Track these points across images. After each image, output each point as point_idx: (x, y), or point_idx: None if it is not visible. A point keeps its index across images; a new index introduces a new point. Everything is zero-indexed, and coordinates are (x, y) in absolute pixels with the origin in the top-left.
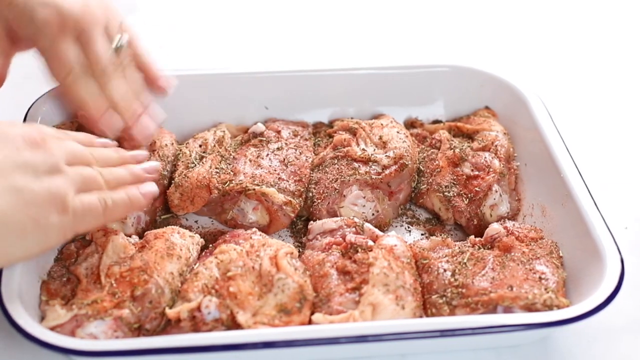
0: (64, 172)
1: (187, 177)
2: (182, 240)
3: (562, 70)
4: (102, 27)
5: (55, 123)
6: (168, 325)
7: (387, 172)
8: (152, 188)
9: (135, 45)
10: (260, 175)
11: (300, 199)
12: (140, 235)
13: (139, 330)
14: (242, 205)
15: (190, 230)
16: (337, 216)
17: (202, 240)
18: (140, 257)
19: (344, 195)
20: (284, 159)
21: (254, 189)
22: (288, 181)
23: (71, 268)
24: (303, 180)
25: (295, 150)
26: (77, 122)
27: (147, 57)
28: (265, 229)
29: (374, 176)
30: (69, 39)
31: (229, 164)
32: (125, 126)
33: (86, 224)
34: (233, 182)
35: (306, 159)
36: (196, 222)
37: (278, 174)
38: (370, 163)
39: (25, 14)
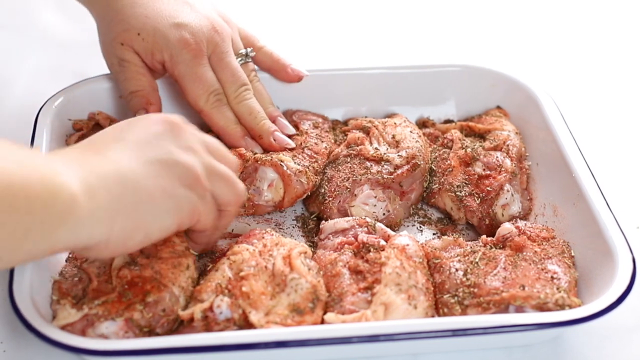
0: (198, 153)
1: None
2: (182, 244)
3: (573, 69)
4: (230, 40)
5: (68, 122)
6: (180, 326)
7: (399, 171)
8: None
9: (254, 43)
10: (278, 153)
11: (317, 177)
12: None
13: (149, 333)
14: (258, 183)
15: None
16: (347, 215)
17: None
18: (150, 265)
19: (355, 195)
20: (302, 143)
21: (271, 157)
22: (303, 160)
23: (83, 266)
24: (319, 162)
25: (316, 138)
26: (94, 119)
27: (269, 50)
28: (281, 203)
29: (385, 176)
30: (205, 60)
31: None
32: (265, 145)
33: (206, 205)
34: (252, 152)
35: (325, 147)
36: None
37: (294, 154)
38: (383, 162)
39: (158, 40)
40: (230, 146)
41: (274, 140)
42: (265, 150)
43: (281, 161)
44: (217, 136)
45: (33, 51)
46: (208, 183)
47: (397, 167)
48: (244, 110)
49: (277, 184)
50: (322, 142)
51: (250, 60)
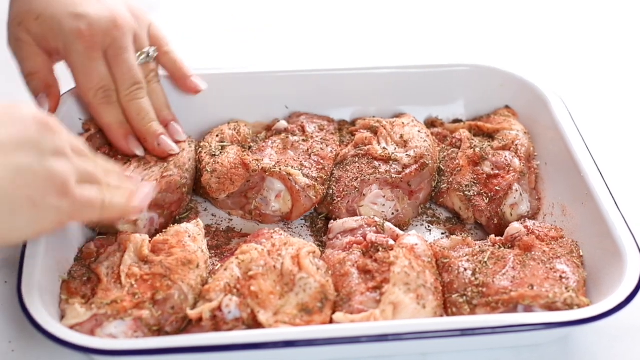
0: (69, 157)
1: (219, 162)
2: (195, 244)
3: (582, 69)
4: (132, 36)
5: (78, 122)
6: (189, 325)
7: (407, 171)
8: (145, 198)
9: (162, 45)
10: (285, 161)
11: (323, 187)
12: (153, 238)
13: (158, 332)
14: (265, 193)
15: (208, 229)
16: (356, 215)
17: (201, 223)
18: (160, 263)
19: (364, 194)
20: (308, 149)
21: (279, 169)
22: (310, 169)
23: (92, 266)
24: (326, 169)
25: (322, 143)
26: None
27: (175, 57)
28: (289, 215)
29: (394, 175)
30: (98, 54)
31: (254, 154)
32: (149, 148)
33: (82, 214)
34: (261, 162)
35: (331, 151)
36: (214, 215)
37: (301, 162)
38: (391, 162)
39: (54, 27)
40: (113, 144)
41: (158, 144)
42: (150, 154)
43: (289, 175)
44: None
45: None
46: (78, 190)
47: (405, 167)
48: (133, 109)
49: (284, 196)
50: (328, 145)
51: (151, 60)
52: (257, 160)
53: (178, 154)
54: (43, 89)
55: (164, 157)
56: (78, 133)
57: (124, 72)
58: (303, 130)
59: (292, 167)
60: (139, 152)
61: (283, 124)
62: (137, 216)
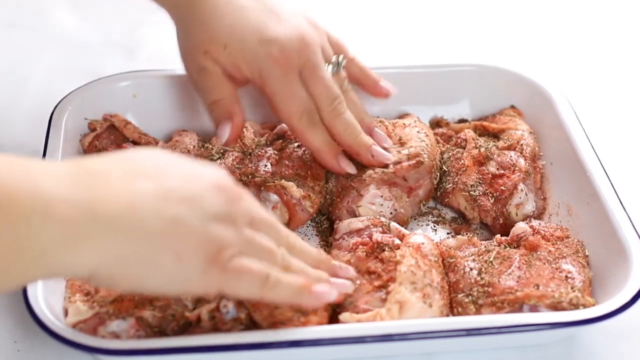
0: (237, 227)
1: None
2: None
3: (588, 69)
4: (320, 51)
5: (83, 122)
6: (189, 326)
7: (398, 166)
8: (326, 293)
9: (346, 52)
10: (281, 173)
11: (321, 194)
12: None
13: (160, 334)
14: (261, 204)
15: None
16: (356, 215)
17: None
18: None
19: (362, 195)
20: (302, 156)
21: (273, 182)
22: (307, 178)
23: None
24: (321, 174)
25: None
26: (109, 120)
27: (360, 62)
28: (286, 226)
29: (387, 171)
30: (295, 77)
31: (250, 162)
32: (361, 159)
33: (236, 289)
34: (254, 175)
35: (348, 170)
36: None
37: (297, 172)
38: None
39: (246, 55)
40: (324, 166)
41: (372, 156)
42: (364, 166)
43: (283, 187)
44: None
45: (47, 50)
46: (236, 261)
47: (397, 163)
48: (339, 126)
49: (281, 207)
50: None
51: (341, 68)
52: (251, 172)
53: (185, 148)
54: (226, 118)
55: (379, 167)
56: (83, 133)
57: (322, 89)
58: None
59: (286, 178)
60: (351, 170)
61: (283, 127)
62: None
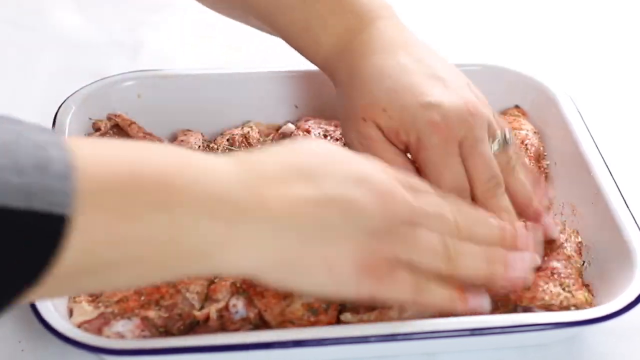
0: (395, 235)
1: None
2: None
3: (592, 69)
4: (486, 126)
5: (87, 122)
6: (195, 326)
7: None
8: (480, 302)
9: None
10: None
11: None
12: None
13: (165, 334)
14: None
15: None
16: None
17: None
18: None
19: None
20: None
21: None
22: None
23: None
24: None
25: None
26: (114, 120)
27: (524, 160)
28: None
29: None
30: (454, 148)
31: None
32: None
33: (388, 297)
34: None
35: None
36: None
37: None
38: None
39: (406, 119)
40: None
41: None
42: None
43: None
44: None
45: (50, 50)
46: (390, 275)
47: None
48: (492, 209)
49: None
50: None
51: (508, 147)
52: None
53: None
54: None
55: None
56: (87, 133)
57: (480, 166)
58: (308, 134)
59: None
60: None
61: (289, 127)
62: None
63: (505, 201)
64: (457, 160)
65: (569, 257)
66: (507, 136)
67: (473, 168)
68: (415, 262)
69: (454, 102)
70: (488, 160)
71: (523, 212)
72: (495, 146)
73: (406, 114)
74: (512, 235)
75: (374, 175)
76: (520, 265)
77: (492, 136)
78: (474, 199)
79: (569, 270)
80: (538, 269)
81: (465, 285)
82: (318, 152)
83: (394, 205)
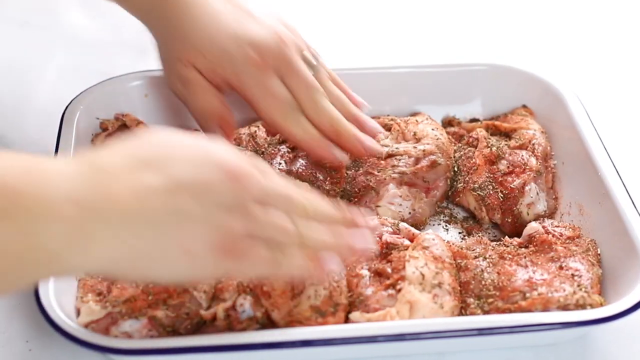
0: (248, 212)
1: None
2: None
3: (600, 68)
4: (296, 50)
5: (94, 121)
6: (203, 326)
7: (419, 165)
8: (335, 263)
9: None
10: (296, 172)
11: (335, 199)
12: None
13: (172, 333)
14: None
15: None
16: (374, 215)
17: None
18: None
19: (381, 194)
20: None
21: None
22: (325, 181)
23: None
24: (340, 182)
25: None
26: (121, 120)
27: (332, 74)
28: None
29: (405, 169)
30: (272, 74)
31: (264, 160)
32: (353, 151)
33: (246, 274)
34: None
35: (343, 159)
36: None
37: (314, 174)
38: (399, 157)
39: (222, 57)
40: (319, 159)
41: (364, 148)
42: (356, 159)
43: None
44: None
45: (59, 50)
46: (246, 252)
47: (417, 161)
48: (324, 118)
49: None
50: None
51: (318, 68)
52: None
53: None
54: (218, 124)
55: (371, 156)
56: (94, 133)
57: (302, 85)
58: None
59: (301, 179)
60: (346, 159)
61: None
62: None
63: (333, 109)
64: (281, 85)
65: (592, 264)
66: (317, 58)
67: (295, 86)
68: (268, 239)
69: (265, 36)
70: (306, 78)
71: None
72: (309, 67)
73: (222, 53)
74: (351, 216)
75: (222, 155)
76: (361, 238)
77: (304, 58)
78: (306, 115)
79: (590, 275)
80: (560, 268)
81: (319, 255)
82: (162, 140)
83: (245, 182)
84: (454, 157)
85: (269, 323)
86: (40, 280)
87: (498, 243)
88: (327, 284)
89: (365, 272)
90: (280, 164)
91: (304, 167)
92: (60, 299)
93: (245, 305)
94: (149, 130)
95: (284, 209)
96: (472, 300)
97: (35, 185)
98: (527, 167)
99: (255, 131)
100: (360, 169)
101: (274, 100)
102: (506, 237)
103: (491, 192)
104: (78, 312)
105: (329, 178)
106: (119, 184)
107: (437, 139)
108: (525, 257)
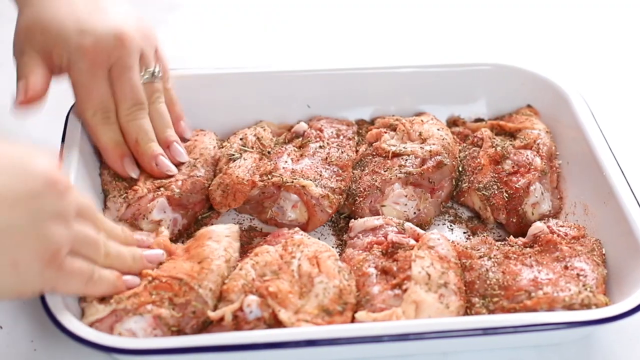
0: (68, 223)
1: (228, 173)
2: (217, 245)
3: (604, 67)
4: (138, 55)
5: None
6: (209, 325)
7: (425, 166)
8: (134, 281)
9: (164, 79)
10: (301, 171)
11: (341, 196)
12: (176, 238)
13: (178, 333)
14: (282, 202)
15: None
16: (379, 215)
17: (237, 227)
18: (175, 266)
19: (386, 194)
20: (326, 158)
21: (292, 181)
22: (330, 179)
23: None
24: (345, 180)
25: (338, 149)
26: None
27: (173, 95)
28: (304, 227)
29: (411, 169)
30: (101, 72)
31: (270, 160)
32: (144, 168)
33: (67, 286)
34: (273, 175)
35: (348, 158)
36: (236, 214)
37: (320, 172)
38: (406, 157)
39: (59, 41)
40: (109, 165)
41: (156, 164)
42: (151, 176)
43: (303, 187)
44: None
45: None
46: (68, 262)
47: (423, 161)
48: (131, 129)
49: (301, 206)
50: (344, 152)
51: (157, 79)
52: (269, 173)
53: (206, 148)
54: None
55: (160, 177)
56: None
57: (126, 91)
58: (320, 132)
59: (307, 177)
60: (134, 174)
61: (302, 126)
62: (160, 217)
63: (146, 125)
64: (104, 84)
65: (597, 264)
66: (157, 70)
67: (120, 92)
68: (84, 253)
69: (107, 30)
70: (134, 86)
71: (158, 138)
72: (145, 76)
73: (60, 38)
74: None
75: (41, 165)
76: (154, 258)
77: (145, 66)
78: (118, 120)
79: (595, 274)
80: (565, 267)
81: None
82: None
83: (67, 193)
84: (459, 157)
85: (276, 323)
86: None
87: (503, 243)
88: (338, 282)
89: (372, 270)
90: (287, 162)
91: (309, 166)
92: (65, 299)
93: (253, 305)
94: None
95: (93, 225)
96: (477, 299)
97: None
98: (532, 167)
99: (261, 131)
100: (366, 168)
101: (92, 97)
102: (511, 236)
103: (496, 191)
104: (82, 312)
105: (334, 176)
106: None
107: (443, 139)
108: (530, 257)
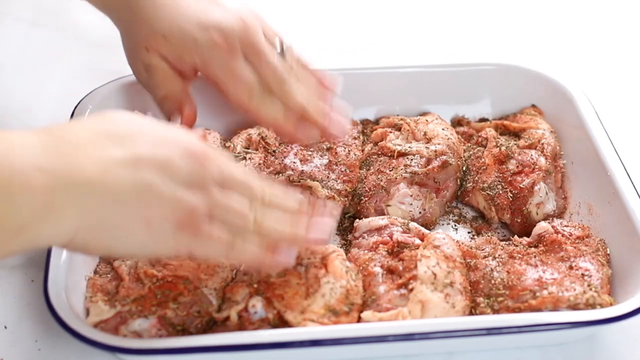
0: (207, 191)
1: None
2: None
3: (608, 67)
4: (262, 35)
5: None
6: (214, 325)
7: (430, 166)
8: (288, 257)
9: (291, 51)
10: (310, 172)
11: (346, 198)
12: None
13: (182, 332)
14: None
15: None
16: (384, 214)
17: None
18: (180, 266)
19: (391, 194)
20: (334, 157)
21: (299, 181)
22: (336, 180)
23: (114, 265)
24: (352, 181)
25: (344, 148)
26: None
27: (304, 60)
28: None
29: (416, 169)
30: (239, 57)
31: (276, 159)
32: (321, 129)
33: (204, 253)
34: (281, 174)
35: (355, 157)
36: None
37: (327, 173)
38: (411, 156)
39: (187, 43)
40: (286, 140)
41: (331, 126)
42: (325, 139)
43: (309, 187)
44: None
45: (69, 49)
46: (205, 228)
47: (428, 161)
48: (291, 99)
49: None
50: (351, 151)
51: (287, 52)
52: (278, 171)
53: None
54: (178, 109)
55: (331, 140)
56: None
57: (269, 66)
58: None
59: (315, 178)
60: (314, 133)
61: None
62: None
63: (302, 89)
64: (246, 67)
65: (602, 264)
66: (285, 45)
67: (263, 70)
68: (226, 221)
69: (230, 20)
70: (272, 57)
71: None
72: (277, 50)
73: (186, 38)
74: (312, 204)
75: (183, 137)
76: (318, 228)
77: (271, 42)
78: (271, 93)
79: (600, 274)
80: (570, 267)
81: (275, 245)
82: (126, 119)
83: (205, 162)
84: (463, 156)
85: (280, 323)
86: (9, 253)
87: (507, 242)
88: (345, 282)
89: (378, 270)
90: (295, 162)
91: (317, 166)
92: (70, 298)
93: (258, 306)
94: (114, 110)
95: (244, 195)
96: (482, 299)
97: (1, 154)
98: (537, 167)
99: (265, 131)
100: (372, 167)
101: (239, 82)
102: (515, 236)
103: (500, 191)
104: (87, 312)
105: (342, 176)
106: (84, 155)
107: (448, 139)
108: (534, 257)
